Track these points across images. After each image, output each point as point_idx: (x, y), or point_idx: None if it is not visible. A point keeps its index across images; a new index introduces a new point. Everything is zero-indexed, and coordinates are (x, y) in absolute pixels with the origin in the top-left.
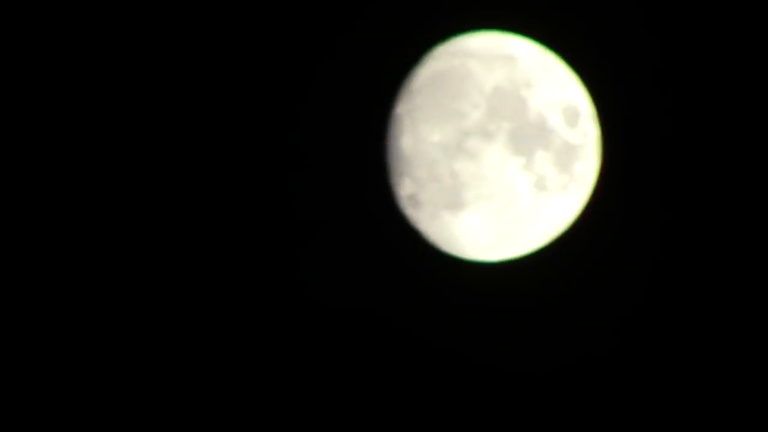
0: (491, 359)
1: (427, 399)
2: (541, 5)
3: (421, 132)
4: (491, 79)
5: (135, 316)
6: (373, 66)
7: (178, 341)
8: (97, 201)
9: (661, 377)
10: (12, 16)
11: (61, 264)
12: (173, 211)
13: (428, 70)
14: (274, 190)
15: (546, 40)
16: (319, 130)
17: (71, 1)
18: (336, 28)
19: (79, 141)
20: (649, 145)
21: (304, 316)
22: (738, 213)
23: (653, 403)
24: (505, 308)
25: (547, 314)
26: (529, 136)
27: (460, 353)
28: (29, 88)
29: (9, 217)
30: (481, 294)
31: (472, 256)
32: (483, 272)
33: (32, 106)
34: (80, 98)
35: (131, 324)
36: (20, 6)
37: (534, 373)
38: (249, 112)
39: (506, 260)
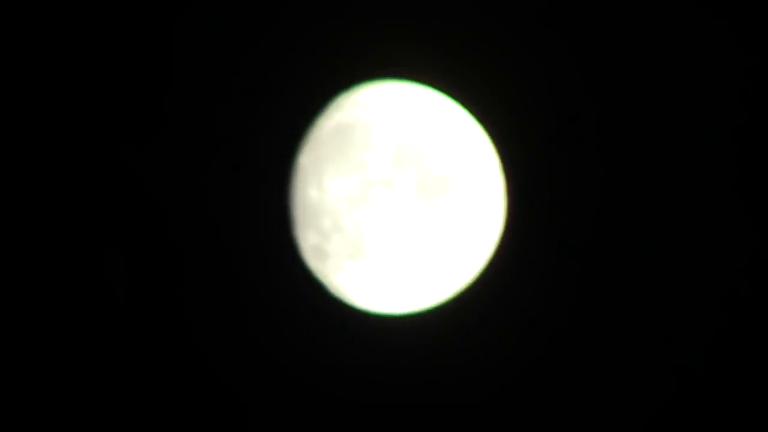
0: (396, 409)
1: None
2: (447, 55)
3: (325, 182)
4: (396, 129)
5: None
6: (277, 116)
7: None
8: None
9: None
10: None
11: None
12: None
13: (334, 120)
14: (177, 241)
15: (451, 90)
16: (220, 180)
17: None
18: (239, 76)
19: None
20: (554, 193)
21: (209, 370)
22: (637, 269)
23: None
24: (409, 360)
25: (454, 364)
26: (433, 187)
27: (366, 405)
28: None
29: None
30: (385, 346)
31: (377, 308)
32: (388, 324)
33: None
34: None
35: None
36: None
37: (440, 421)
38: (151, 164)
39: (411, 313)
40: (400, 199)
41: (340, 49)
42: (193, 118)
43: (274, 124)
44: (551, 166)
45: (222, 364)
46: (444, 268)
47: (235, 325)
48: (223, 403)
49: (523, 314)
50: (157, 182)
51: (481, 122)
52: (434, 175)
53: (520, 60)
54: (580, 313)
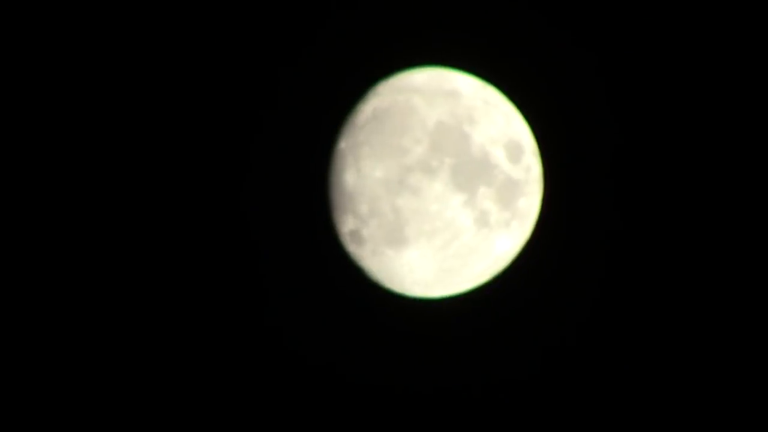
0: (432, 393)
1: None
2: (484, 41)
3: (363, 167)
4: (434, 115)
5: None
6: (317, 101)
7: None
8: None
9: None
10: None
11: None
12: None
13: (371, 106)
14: (217, 224)
15: (489, 75)
16: (263, 164)
17: None
18: (280, 62)
19: None
20: (592, 180)
21: (250, 352)
22: (681, 250)
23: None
24: (447, 344)
25: (489, 349)
26: (471, 172)
27: (402, 388)
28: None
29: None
30: (424, 330)
31: (415, 293)
32: (425, 308)
33: None
34: None
35: None
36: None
37: (475, 405)
38: (193, 149)
39: (448, 296)
40: (438, 183)
41: (378, 36)
42: (232, 103)
43: (313, 110)
44: (590, 153)
45: (260, 347)
46: (481, 252)
47: (273, 309)
48: (259, 384)
49: (558, 300)
50: (196, 170)
51: (520, 108)
52: (472, 160)
53: (559, 46)
54: (609, 302)
